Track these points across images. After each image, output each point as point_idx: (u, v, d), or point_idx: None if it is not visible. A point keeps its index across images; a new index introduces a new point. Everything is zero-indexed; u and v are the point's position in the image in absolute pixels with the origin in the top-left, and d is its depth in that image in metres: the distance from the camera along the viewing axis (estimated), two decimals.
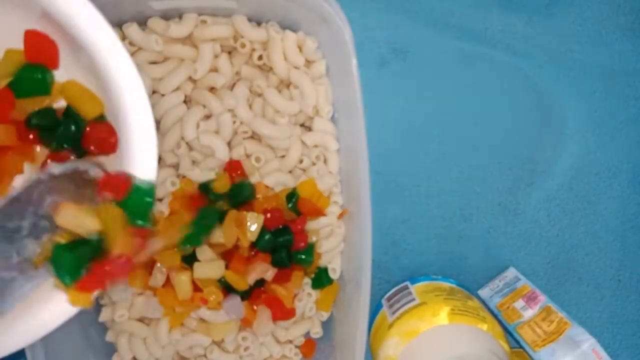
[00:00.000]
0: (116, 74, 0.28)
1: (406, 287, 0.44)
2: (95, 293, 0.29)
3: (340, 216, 0.42)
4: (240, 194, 0.39)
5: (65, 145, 0.31)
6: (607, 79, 0.47)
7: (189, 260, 0.38)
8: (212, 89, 0.40)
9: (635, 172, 0.48)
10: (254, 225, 0.38)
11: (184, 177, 0.39)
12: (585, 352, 0.37)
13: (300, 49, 0.39)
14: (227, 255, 0.39)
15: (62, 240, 0.29)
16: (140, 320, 0.42)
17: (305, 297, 0.42)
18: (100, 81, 0.29)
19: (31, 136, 0.30)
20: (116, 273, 0.29)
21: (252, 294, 0.40)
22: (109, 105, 0.30)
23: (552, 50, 0.47)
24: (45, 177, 0.29)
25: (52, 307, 0.29)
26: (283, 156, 0.41)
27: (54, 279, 0.28)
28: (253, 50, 0.40)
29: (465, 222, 0.47)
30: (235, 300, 0.40)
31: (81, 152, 0.31)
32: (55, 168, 0.29)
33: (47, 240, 0.29)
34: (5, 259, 0.28)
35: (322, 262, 0.42)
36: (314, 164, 0.41)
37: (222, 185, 0.38)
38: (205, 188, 0.38)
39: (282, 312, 0.41)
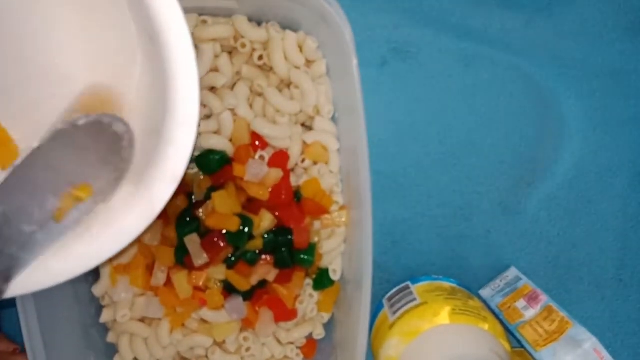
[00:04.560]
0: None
1: (407, 287, 0.44)
2: None
3: None
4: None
5: None
6: (607, 78, 0.47)
7: (181, 256, 0.38)
8: (212, 89, 0.40)
9: (636, 172, 0.48)
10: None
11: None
12: (587, 352, 0.36)
13: (300, 48, 0.39)
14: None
15: (82, 194, 0.28)
16: (142, 321, 0.41)
17: (306, 299, 0.42)
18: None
19: None
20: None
21: (254, 294, 0.40)
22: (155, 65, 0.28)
23: (552, 50, 0.47)
24: (69, 127, 0.28)
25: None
26: None
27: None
28: (253, 50, 0.40)
29: (466, 222, 0.47)
30: (237, 300, 0.39)
31: None
32: (81, 119, 0.28)
33: (67, 195, 0.28)
34: (26, 214, 0.28)
35: (323, 263, 0.42)
36: (315, 163, 0.41)
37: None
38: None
39: (284, 313, 0.41)
